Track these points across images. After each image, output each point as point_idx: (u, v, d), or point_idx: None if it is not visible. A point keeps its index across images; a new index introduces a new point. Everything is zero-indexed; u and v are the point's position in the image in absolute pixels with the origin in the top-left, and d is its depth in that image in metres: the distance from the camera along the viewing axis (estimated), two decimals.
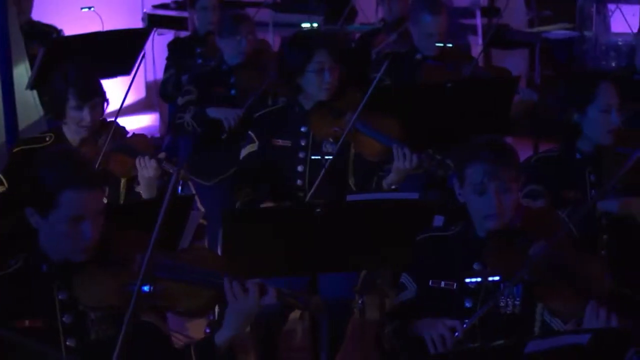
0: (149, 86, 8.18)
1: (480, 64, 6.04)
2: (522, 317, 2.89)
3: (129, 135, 3.91)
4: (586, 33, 7.44)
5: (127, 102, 4.23)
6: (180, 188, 4.34)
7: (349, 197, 3.67)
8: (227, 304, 2.61)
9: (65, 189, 2.54)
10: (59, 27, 6.00)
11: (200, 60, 5.66)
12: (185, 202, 3.35)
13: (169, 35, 7.22)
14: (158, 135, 7.31)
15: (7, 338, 2.48)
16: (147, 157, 3.69)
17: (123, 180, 3.85)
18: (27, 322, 2.59)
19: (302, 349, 4.34)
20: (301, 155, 4.00)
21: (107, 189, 3.74)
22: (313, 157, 3.98)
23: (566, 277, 2.83)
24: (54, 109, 3.88)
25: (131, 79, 4.11)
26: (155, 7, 7.78)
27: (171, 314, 2.71)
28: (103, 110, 3.85)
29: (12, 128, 4.77)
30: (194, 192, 4.78)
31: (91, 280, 2.59)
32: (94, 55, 4.95)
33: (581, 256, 2.91)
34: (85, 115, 3.76)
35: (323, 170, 3.84)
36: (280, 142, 4.04)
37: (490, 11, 8.00)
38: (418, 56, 5.23)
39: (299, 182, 3.99)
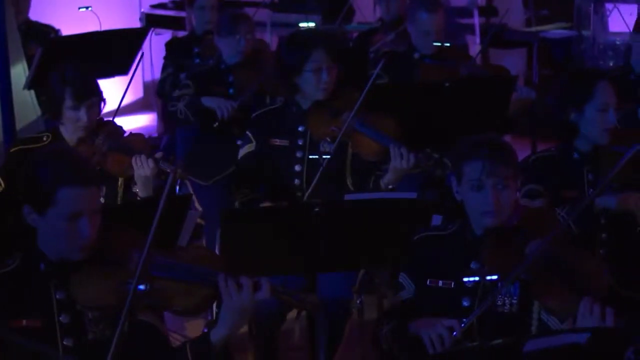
0: (146, 86, 8.18)
1: (478, 63, 6.04)
2: (519, 316, 2.89)
3: (125, 135, 3.90)
4: (584, 32, 7.45)
5: (125, 102, 4.23)
6: (177, 188, 4.34)
7: (347, 197, 3.68)
8: (222, 302, 2.61)
9: (62, 186, 2.55)
10: (57, 27, 6.00)
11: (197, 60, 5.66)
12: (183, 201, 3.34)
13: (166, 35, 7.21)
14: (156, 135, 7.31)
15: (4, 337, 2.48)
16: (143, 157, 3.69)
17: (120, 180, 3.85)
18: (24, 322, 2.59)
19: (300, 348, 4.34)
20: (299, 154, 4.00)
21: (104, 188, 3.74)
22: (311, 157, 3.98)
23: (563, 275, 2.83)
24: (51, 109, 3.87)
25: (129, 79, 4.11)
26: (153, 6, 7.78)
27: (168, 312, 2.71)
28: (100, 110, 3.85)
29: (9, 128, 4.77)
30: (191, 191, 4.79)
31: (89, 280, 2.59)
32: (91, 55, 4.96)
33: (579, 254, 2.91)
34: (82, 115, 3.76)
35: (320, 170, 3.84)
36: (277, 141, 4.03)
37: (488, 10, 8.01)
38: (416, 55, 5.24)
39: (296, 181, 3.99)
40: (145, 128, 7.68)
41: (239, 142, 4.27)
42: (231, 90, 5.01)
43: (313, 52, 3.93)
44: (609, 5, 7.52)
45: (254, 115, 4.16)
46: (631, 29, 4.95)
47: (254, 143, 4.05)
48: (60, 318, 2.61)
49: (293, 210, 3.52)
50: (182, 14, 7.19)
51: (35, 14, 6.12)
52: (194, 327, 4.47)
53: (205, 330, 4.48)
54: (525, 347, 2.32)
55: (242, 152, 4.09)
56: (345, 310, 3.83)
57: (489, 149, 2.92)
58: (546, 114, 3.82)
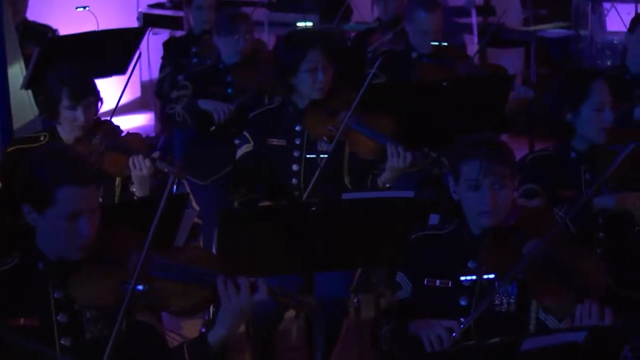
0: (144, 86, 8.18)
1: (476, 62, 6.04)
2: (517, 316, 2.89)
3: (123, 135, 3.90)
4: (582, 32, 7.46)
5: (122, 102, 4.23)
6: (175, 187, 4.34)
7: (344, 196, 3.68)
8: (221, 304, 2.61)
9: (61, 185, 2.54)
10: (54, 26, 6.00)
11: (195, 60, 5.66)
12: (180, 200, 3.34)
13: (164, 35, 7.21)
14: (153, 134, 7.31)
15: (1, 337, 2.48)
16: (140, 156, 3.69)
17: (118, 180, 3.85)
18: (22, 320, 2.59)
19: (297, 348, 4.33)
20: (296, 154, 4.00)
21: (102, 188, 3.74)
22: (308, 156, 3.98)
23: (561, 275, 2.83)
24: (48, 109, 3.87)
25: (127, 79, 4.10)
26: (151, 6, 7.77)
27: (166, 313, 2.71)
28: (97, 109, 3.85)
29: (7, 128, 4.78)
30: (189, 191, 4.79)
31: (87, 279, 2.59)
32: (89, 55, 4.95)
33: (576, 253, 2.91)
34: (79, 114, 3.76)
35: (318, 169, 3.84)
36: (275, 141, 4.03)
37: (486, 10, 8.01)
38: (414, 54, 5.24)
39: (294, 181, 3.99)
40: (143, 128, 7.67)
41: (236, 142, 4.27)
42: (229, 90, 5.01)
43: (309, 52, 3.93)
44: (606, 5, 7.53)
45: (251, 115, 4.16)
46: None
47: (252, 143, 4.05)
48: (58, 317, 2.60)
49: (290, 209, 3.52)
50: (180, 13, 7.19)
51: (33, 14, 6.11)
52: (191, 327, 4.47)
53: (203, 330, 4.48)
54: (523, 345, 2.33)
55: (239, 152, 4.09)
56: (342, 310, 3.83)
57: (486, 148, 2.92)
58: (543, 114, 3.83)
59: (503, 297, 2.89)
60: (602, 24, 7.56)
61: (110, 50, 5.22)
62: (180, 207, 3.28)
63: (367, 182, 3.88)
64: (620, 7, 7.36)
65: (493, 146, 2.94)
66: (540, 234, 2.88)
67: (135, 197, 3.75)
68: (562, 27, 7.70)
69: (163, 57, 5.82)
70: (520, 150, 4.12)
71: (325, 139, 3.95)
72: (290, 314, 4.09)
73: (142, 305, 2.60)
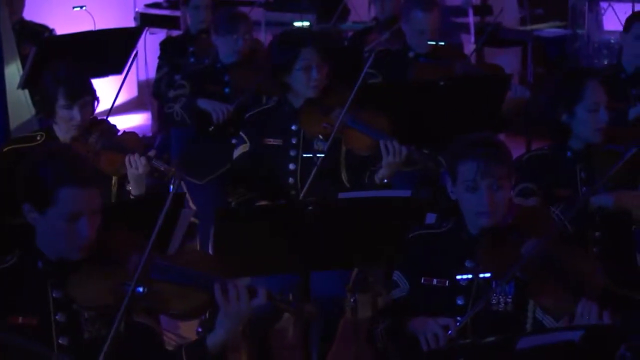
0: (141, 85, 8.18)
1: (473, 62, 6.05)
2: (514, 315, 2.89)
3: (119, 134, 3.90)
4: (578, 31, 7.46)
5: (119, 102, 4.23)
6: (172, 186, 4.34)
7: (341, 195, 3.68)
8: (219, 308, 2.61)
9: (62, 186, 2.54)
10: (51, 26, 5.99)
11: (192, 59, 5.66)
12: (176, 200, 3.34)
13: (161, 35, 7.21)
14: (150, 134, 7.30)
15: None
16: (136, 155, 3.69)
17: (114, 179, 3.85)
18: (20, 319, 2.59)
19: (294, 347, 4.33)
20: (292, 153, 4.00)
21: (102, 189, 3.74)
22: (305, 155, 3.99)
23: (558, 275, 2.84)
24: (44, 108, 3.87)
25: (123, 78, 4.10)
26: (148, 6, 7.77)
27: (164, 316, 2.71)
28: (93, 109, 3.85)
29: (3, 127, 4.78)
30: (185, 190, 4.78)
31: (86, 280, 2.59)
32: (85, 55, 4.95)
33: (573, 253, 2.91)
34: (75, 114, 3.76)
35: (315, 168, 3.84)
36: (271, 141, 4.04)
37: (483, 9, 8.02)
38: (410, 54, 5.24)
39: (291, 180, 3.99)
40: (140, 127, 7.67)
41: (233, 141, 4.27)
42: (227, 90, 5.01)
43: (302, 51, 3.93)
44: (603, 4, 7.54)
45: (247, 115, 4.16)
46: None
47: (248, 143, 4.05)
48: (57, 317, 2.60)
49: (287, 209, 3.52)
50: (177, 13, 7.19)
51: (30, 14, 6.11)
52: (188, 327, 4.46)
53: (199, 330, 4.49)
54: (519, 344, 2.33)
55: (236, 152, 4.09)
56: (338, 309, 3.83)
57: (484, 149, 2.92)
58: (540, 114, 3.83)
59: (500, 297, 2.89)
60: (599, 24, 7.57)
61: (107, 50, 5.22)
62: (177, 207, 3.28)
63: (365, 178, 3.89)
64: (617, 6, 7.37)
65: (491, 146, 2.94)
66: (537, 233, 2.89)
67: (131, 196, 3.75)
68: (559, 27, 7.70)
69: (160, 57, 5.82)
70: (517, 150, 4.12)
71: (321, 137, 3.95)
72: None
73: (142, 307, 2.60)
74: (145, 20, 7.41)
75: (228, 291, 2.57)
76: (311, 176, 3.84)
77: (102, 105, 3.95)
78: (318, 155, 3.92)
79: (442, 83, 4.50)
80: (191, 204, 4.87)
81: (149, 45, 6.96)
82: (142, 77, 7.91)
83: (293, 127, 4.02)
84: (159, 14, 7.61)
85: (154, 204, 3.11)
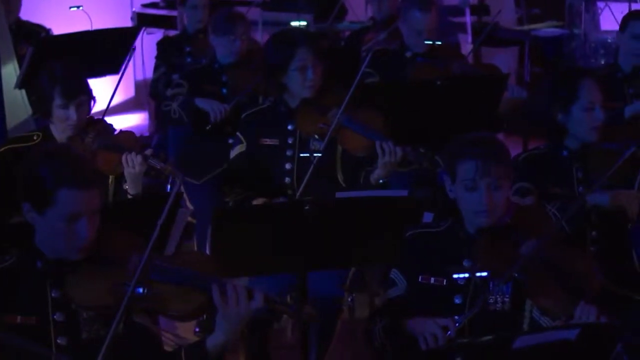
0: (138, 85, 8.16)
1: (470, 62, 6.05)
2: (511, 314, 2.89)
3: (115, 133, 3.90)
4: (575, 31, 7.47)
5: (116, 102, 4.23)
6: (169, 186, 4.34)
7: (338, 195, 3.68)
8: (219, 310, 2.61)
9: (62, 187, 2.54)
10: (48, 26, 5.98)
11: (189, 59, 5.65)
12: (174, 199, 3.33)
13: (158, 35, 7.19)
14: (147, 134, 7.30)
15: None
16: (133, 153, 3.69)
17: (111, 178, 3.84)
18: (18, 318, 2.59)
19: (292, 347, 4.33)
20: (289, 153, 4.00)
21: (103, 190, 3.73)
22: (301, 155, 3.99)
23: (556, 275, 2.84)
24: (41, 108, 3.87)
25: (119, 78, 4.10)
26: (145, 5, 7.76)
27: (163, 316, 2.71)
28: (90, 108, 3.84)
29: (0, 127, 4.76)
30: (182, 190, 4.78)
31: (85, 280, 2.59)
32: (82, 55, 4.93)
33: (571, 254, 2.91)
34: (72, 113, 3.75)
35: (311, 168, 3.84)
36: (267, 141, 4.04)
37: (480, 9, 8.02)
38: (408, 54, 5.24)
39: (287, 180, 3.99)
40: (137, 127, 7.65)
41: (230, 141, 4.27)
42: (224, 90, 5.01)
43: (297, 51, 3.94)
44: (600, 4, 7.54)
45: (243, 115, 4.17)
46: None
47: (245, 143, 4.05)
48: (55, 316, 2.60)
49: (284, 208, 3.52)
50: (174, 13, 7.18)
51: (26, 14, 6.09)
52: (186, 327, 4.46)
53: (197, 330, 4.49)
54: (515, 343, 2.33)
55: (233, 153, 4.10)
56: (336, 309, 3.83)
57: (483, 148, 2.92)
58: (536, 113, 3.83)
59: (498, 296, 2.89)
60: (595, 23, 7.57)
61: (104, 50, 5.21)
62: (174, 206, 3.28)
63: (360, 179, 3.89)
64: (614, 6, 7.37)
65: (490, 146, 2.94)
66: (535, 232, 2.89)
67: (128, 195, 3.75)
68: (556, 26, 7.70)
69: (157, 57, 5.81)
70: (514, 150, 4.12)
71: (317, 136, 3.95)
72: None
73: (141, 308, 2.61)
74: (142, 20, 7.40)
75: (227, 293, 2.57)
76: (307, 176, 3.84)
77: (99, 105, 3.94)
78: (315, 154, 3.92)
79: (439, 83, 4.50)
80: (188, 204, 4.87)
81: (146, 45, 6.95)
82: (140, 77, 7.89)
83: (289, 127, 4.02)
84: (156, 13, 7.59)
85: (151, 203, 3.12)
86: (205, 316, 4.06)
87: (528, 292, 2.85)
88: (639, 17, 4.84)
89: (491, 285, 2.89)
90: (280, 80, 4.00)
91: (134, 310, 2.58)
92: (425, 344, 2.77)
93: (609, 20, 7.35)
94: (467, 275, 2.93)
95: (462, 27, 7.66)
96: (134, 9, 7.75)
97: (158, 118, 6.65)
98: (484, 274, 2.91)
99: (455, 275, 2.94)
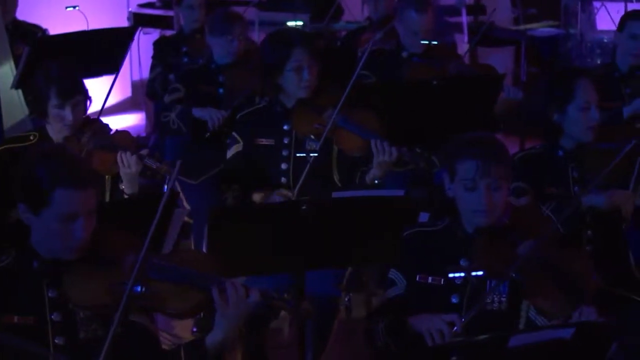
0: (134, 85, 8.16)
1: (466, 61, 6.05)
2: (507, 314, 2.89)
3: (111, 133, 3.90)
4: (571, 31, 7.48)
5: (113, 102, 4.23)
6: (166, 186, 4.34)
7: (334, 194, 3.68)
8: (215, 308, 2.61)
9: (58, 187, 2.54)
10: (44, 26, 5.98)
11: (186, 59, 5.65)
12: (170, 199, 3.33)
13: (154, 35, 7.19)
14: (144, 134, 7.29)
15: None
16: (128, 153, 3.69)
17: (107, 178, 3.84)
18: (15, 318, 2.59)
19: (289, 346, 4.33)
20: (285, 153, 4.01)
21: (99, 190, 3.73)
22: (297, 155, 3.99)
23: (554, 275, 2.84)
24: (37, 108, 3.87)
25: (113, 79, 4.10)
26: (141, 5, 7.75)
27: (161, 314, 2.71)
28: (86, 108, 3.84)
29: None
30: (179, 189, 4.78)
31: (82, 279, 2.59)
32: (79, 55, 4.93)
33: (568, 254, 2.92)
34: (67, 113, 3.75)
35: (307, 167, 3.84)
36: (263, 141, 4.04)
37: (476, 9, 8.02)
38: (404, 54, 5.24)
39: (283, 180, 3.99)
40: (133, 127, 7.65)
41: (227, 141, 4.27)
42: (221, 91, 5.01)
43: (293, 51, 3.94)
44: (596, 4, 7.55)
45: (239, 115, 4.17)
46: None
47: (241, 143, 4.06)
48: (52, 316, 2.60)
49: (281, 208, 3.52)
50: (170, 13, 7.17)
51: (23, 14, 6.09)
52: (183, 326, 4.47)
53: (194, 330, 4.49)
54: (511, 342, 2.33)
55: (230, 153, 4.10)
56: (333, 308, 3.83)
57: (484, 148, 2.92)
58: (532, 113, 3.84)
59: (495, 296, 2.89)
60: (591, 23, 7.58)
61: (101, 50, 5.21)
62: (170, 205, 3.28)
63: (356, 179, 3.89)
64: (610, 5, 7.38)
65: (491, 146, 2.94)
66: (532, 233, 2.89)
67: (125, 195, 3.75)
68: (552, 26, 7.71)
69: (153, 57, 5.81)
70: (511, 150, 4.12)
71: (313, 136, 3.96)
72: (281, 312, 4.09)
73: (139, 306, 2.61)
74: (139, 20, 7.40)
75: (226, 291, 2.57)
76: (303, 175, 3.85)
77: (95, 105, 3.94)
78: (311, 154, 3.93)
79: (435, 83, 4.51)
80: (185, 204, 4.87)
81: (143, 45, 6.94)
82: (136, 77, 7.89)
83: (285, 127, 4.03)
84: (152, 13, 7.58)
85: (148, 203, 3.12)
86: (202, 315, 4.06)
87: (526, 292, 2.86)
88: (637, 17, 4.85)
89: (488, 285, 2.89)
90: (276, 81, 4.01)
91: (132, 308, 2.58)
92: (432, 340, 2.77)
93: (605, 20, 7.36)
94: (462, 274, 2.93)
95: (458, 27, 7.67)
96: (130, 9, 7.74)
97: (156, 118, 6.65)
98: (480, 273, 2.91)
99: (450, 275, 2.94)
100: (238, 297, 2.57)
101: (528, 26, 7.74)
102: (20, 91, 5.10)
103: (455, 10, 7.78)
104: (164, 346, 2.76)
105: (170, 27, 7.12)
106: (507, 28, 7.81)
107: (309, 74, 3.96)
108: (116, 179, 3.82)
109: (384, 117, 3.98)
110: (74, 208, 2.55)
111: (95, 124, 3.87)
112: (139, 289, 2.56)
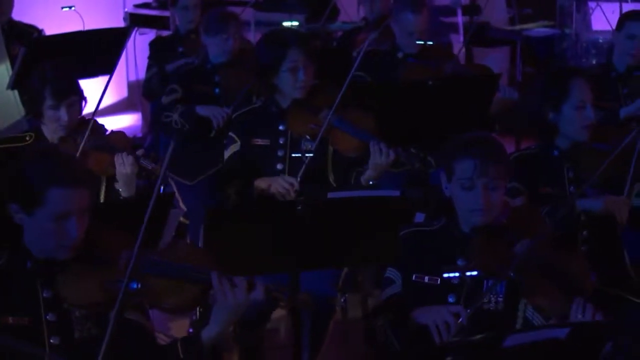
0: (130, 86, 8.15)
1: (462, 62, 6.06)
2: (504, 314, 2.90)
3: (107, 133, 3.90)
4: (567, 31, 7.48)
5: (109, 102, 4.23)
6: (162, 188, 4.34)
7: (330, 194, 3.68)
8: (211, 301, 2.61)
9: (51, 186, 2.54)
10: (40, 26, 5.97)
11: (182, 60, 5.64)
12: (165, 199, 3.34)
13: (150, 35, 7.19)
14: (140, 135, 7.29)
15: None
16: (124, 154, 3.69)
17: (103, 178, 3.84)
18: (10, 319, 2.59)
19: (285, 347, 4.34)
20: (280, 153, 4.01)
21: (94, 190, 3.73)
22: (293, 155, 3.99)
23: (551, 275, 2.84)
24: (32, 108, 3.87)
25: (108, 79, 4.10)
26: (137, 6, 7.75)
27: (157, 310, 2.71)
28: (81, 109, 3.84)
29: None
30: (175, 190, 4.78)
31: (76, 279, 2.59)
32: (75, 55, 4.93)
33: (564, 254, 2.92)
34: (63, 114, 3.75)
35: (303, 168, 3.84)
36: (259, 141, 4.05)
37: (471, 9, 8.03)
38: (399, 54, 5.25)
39: None
40: (130, 128, 7.65)
41: (225, 141, 4.27)
42: (217, 90, 5.01)
43: (289, 52, 3.95)
44: (591, 4, 7.55)
45: (234, 115, 4.17)
46: (614, 27, 4.98)
47: (239, 142, 4.06)
48: (47, 316, 2.60)
49: (276, 208, 3.52)
50: (166, 13, 7.17)
51: (18, 14, 6.08)
52: (179, 328, 4.47)
53: (190, 331, 4.49)
54: (506, 342, 2.33)
55: (227, 153, 4.10)
56: (329, 308, 3.84)
57: (482, 148, 2.92)
58: (527, 113, 3.85)
59: (491, 296, 2.89)
60: (587, 23, 7.58)
61: (97, 50, 5.20)
62: (165, 206, 3.28)
63: (351, 179, 3.90)
64: (605, 5, 7.39)
65: (488, 146, 2.95)
66: (529, 233, 2.89)
67: (121, 197, 3.75)
68: (547, 26, 7.72)
69: (149, 57, 5.81)
70: (507, 150, 4.14)
71: (308, 137, 3.96)
72: (277, 313, 4.10)
73: (135, 302, 2.61)
74: (135, 21, 7.39)
75: (225, 282, 2.58)
76: (299, 176, 3.85)
77: (91, 106, 3.94)
78: (307, 155, 3.93)
79: (430, 83, 4.51)
80: (181, 204, 4.87)
81: (139, 46, 6.94)
82: (132, 77, 7.88)
83: (280, 127, 4.03)
84: (148, 14, 7.58)
85: (144, 205, 3.11)
86: (198, 316, 4.07)
87: (524, 291, 2.86)
88: (635, 17, 4.86)
89: (485, 285, 2.90)
90: (272, 81, 4.01)
91: (128, 305, 2.58)
92: (438, 332, 2.77)
93: (600, 20, 7.36)
94: (456, 274, 2.93)
95: (454, 28, 7.67)
96: (126, 9, 7.74)
97: (153, 118, 6.65)
98: (474, 273, 2.91)
99: (445, 275, 2.95)
100: (239, 289, 2.57)
101: (523, 26, 7.74)
102: (16, 92, 5.10)
103: (450, 11, 7.79)
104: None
105: (166, 28, 7.12)
106: (502, 28, 7.81)
107: (304, 75, 3.96)
108: (112, 179, 3.82)
109: (379, 118, 3.98)
110: (68, 207, 2.55)
111: (90, 125, 3.87)
112: (134, 285, 2.56)
